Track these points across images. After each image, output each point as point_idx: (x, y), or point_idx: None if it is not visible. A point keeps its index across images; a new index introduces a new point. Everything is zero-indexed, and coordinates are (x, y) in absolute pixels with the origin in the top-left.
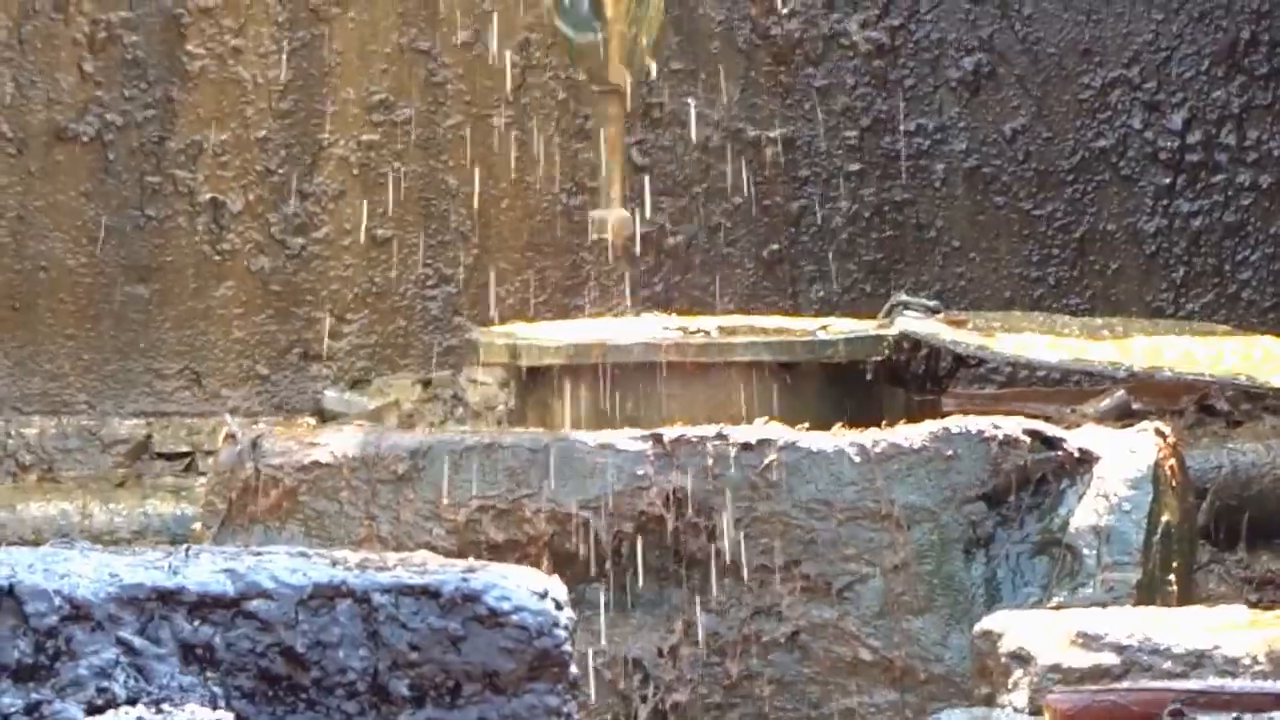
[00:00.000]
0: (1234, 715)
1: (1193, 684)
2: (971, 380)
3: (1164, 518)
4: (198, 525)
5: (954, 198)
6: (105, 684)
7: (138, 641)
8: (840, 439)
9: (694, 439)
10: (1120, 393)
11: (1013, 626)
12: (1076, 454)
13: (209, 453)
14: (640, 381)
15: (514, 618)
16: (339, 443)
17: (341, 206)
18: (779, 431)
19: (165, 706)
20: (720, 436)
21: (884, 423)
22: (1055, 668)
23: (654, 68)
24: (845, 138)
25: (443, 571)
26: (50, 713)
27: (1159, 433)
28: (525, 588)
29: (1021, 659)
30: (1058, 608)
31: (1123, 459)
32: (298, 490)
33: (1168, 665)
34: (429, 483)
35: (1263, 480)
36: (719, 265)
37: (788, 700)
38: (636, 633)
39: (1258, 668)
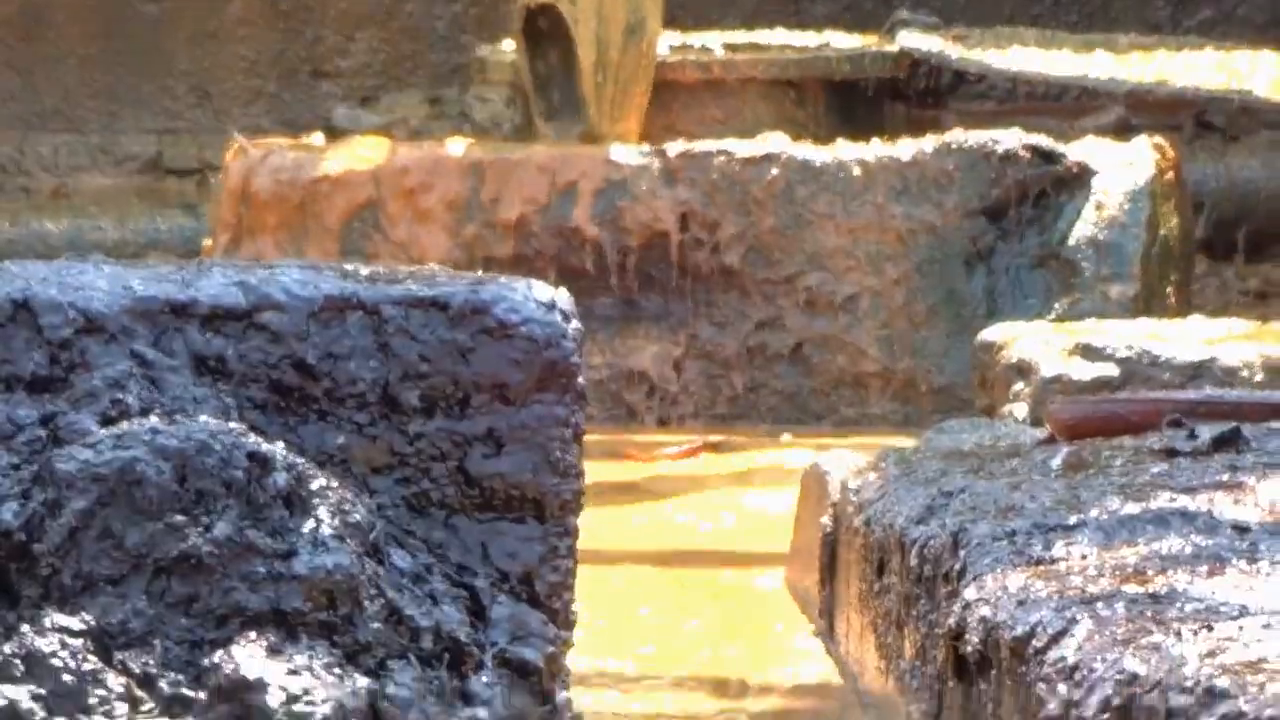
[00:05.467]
0: (1232, 425)
1: (1191, 394)
2: (971, 96)
3: (1161, 231)
4: (208, 240)
5: None
6: (119, 395)
7: (151, 354)
8: (842, 154)
9: (698, 154)
10: (1118, 108)
11: (1013, 339)
12: (1075, 168)
13: (218, 169)
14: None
15: (522, 329)
16: (348, 158)
17: None
18: (782, 146)
19: (178, 417)
20: (724, 152)
21: (885, 138)
22: (1055, 379)
23: None
24: None
25: (452, 284)
26: (65, 424)
27: (1157, 147)
28: (533, 299)
29: (1022, 370)
30: (1057, 320)
31: (1121, 173)
32: (306, 205)
33: (1167, 376)
34: (439, 198)
35: (1259, 193)
36: None
37: (791, 411)
38: (642, 345)
39: (1256, 378)
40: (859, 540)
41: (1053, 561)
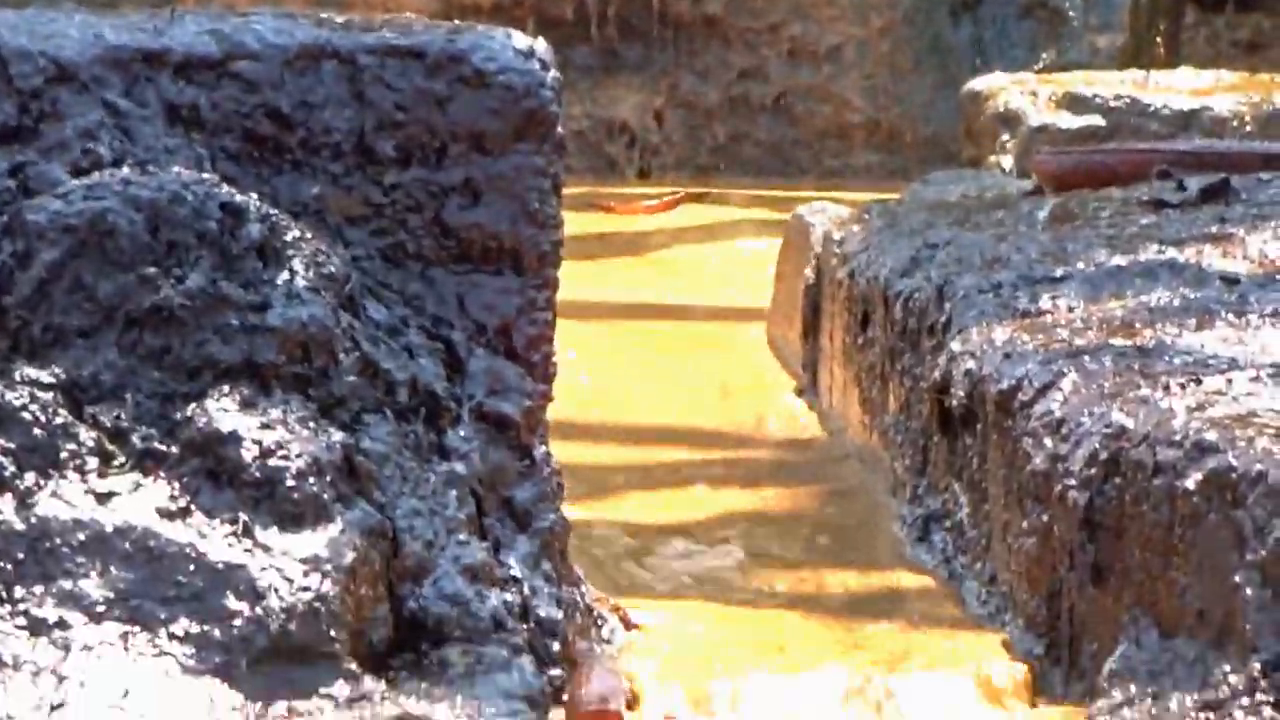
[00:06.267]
0: (1221, 175)
1: (1180, 144)
2: None
3: None
4: None
5: None
6: (91, 145)
7: (123, 103)
8: None
9: None
10: None
11: (1000, 88)
12: None
13: None
14: None
15: (500, 78)
16: None
17: None
18: None
19: (151, 168)
20: None
21: None
22: (1042, 129)
23: None
24: None
25: (428, 33)
26: (35, 174)
27: None
28: (511, 48)
29: (1008, 121)
30: (1044, 70)
31: None
32: None
33: (1155, 126)
34: None
35: None
36: None
37: (774, 163)
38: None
39: (1245, 128)
40: (842, 293)
41: (1039, 314)
